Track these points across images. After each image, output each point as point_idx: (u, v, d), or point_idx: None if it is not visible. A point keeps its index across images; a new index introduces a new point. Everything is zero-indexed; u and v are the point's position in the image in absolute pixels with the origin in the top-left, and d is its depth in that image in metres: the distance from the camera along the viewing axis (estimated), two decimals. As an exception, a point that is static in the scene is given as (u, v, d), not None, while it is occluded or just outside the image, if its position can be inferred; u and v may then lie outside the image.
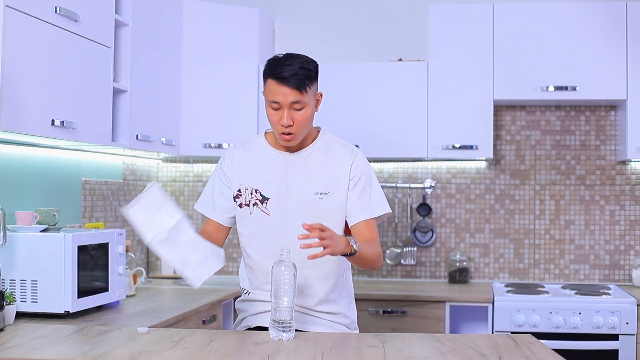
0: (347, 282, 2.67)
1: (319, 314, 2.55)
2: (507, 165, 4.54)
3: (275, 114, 2.43)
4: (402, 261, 4.55)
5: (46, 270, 2.81)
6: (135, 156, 4.29)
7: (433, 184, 4.52)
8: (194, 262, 2.37)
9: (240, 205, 2.54)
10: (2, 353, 2.17)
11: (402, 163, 4.57)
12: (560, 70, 4.13)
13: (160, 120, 3.90)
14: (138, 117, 3.61)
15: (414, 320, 3.93)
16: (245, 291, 2.63)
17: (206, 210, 2.61)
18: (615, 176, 4.46)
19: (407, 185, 4.53)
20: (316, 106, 2.50)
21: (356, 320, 2.69)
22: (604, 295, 3.94)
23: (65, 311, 2.82)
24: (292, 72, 2.37)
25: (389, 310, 3.96)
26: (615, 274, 4.44)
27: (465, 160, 4.45)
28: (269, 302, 2.29)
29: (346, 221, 2.57)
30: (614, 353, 3.77)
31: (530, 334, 2.44)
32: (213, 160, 4.70)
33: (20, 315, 2.77)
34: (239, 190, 2.54)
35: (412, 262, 4.54)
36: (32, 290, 2.81)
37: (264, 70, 2.44)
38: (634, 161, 4.40)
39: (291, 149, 2.53)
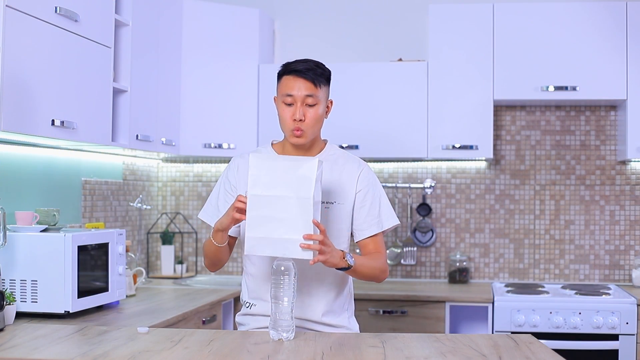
0: (350, 295, 2.67)
1: (321, 326, 2.54)
2: (507, 165, 4.54)
3: (288, 110, 2.44)
4: (402, 261, 4.55)
5: (46, 270, 2.81)
6: (135, 156, 4.29)
7: (433, 184, 4.52)
8: (267, 236, 2.26)
9: None
10: (2, 353, 2.17)
11: (402, 163, 4.57)
12: (560, 70, 4.13)
13: (160, 120, 3.90)
14: (138, 117, 3.61)
15: (414, 320, 3.93)
16: (246, 304, 2.59)
17: (211, 219, 2.57)
18: (615, 176, 4.46)
19: (407, 185, 4.53)
20: (327, 112, 2.53)
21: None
22: (604, 295, 3.94)
23: (65, 311, 2.82)
24: (308, 67, 2.45)
25: (389, 310, 3.96)
26: (615, 274, 4.44)
27: (465, 160, 4.45)
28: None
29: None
30: (614, 353, 3.77)
31: (530, 334, 2.44)
32: (213, 160, 4.70)
33: (20, 315, 2.78)
34: None
35: (412, 262, 4.54)
36: (32, 290, 2.81)
37: (279, 72, 2.48)
38: (634, 161, 4.40)
39: None
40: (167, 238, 4.52)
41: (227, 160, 4.61)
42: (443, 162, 4.54)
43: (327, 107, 2.54)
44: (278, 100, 2.48)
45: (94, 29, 3.13)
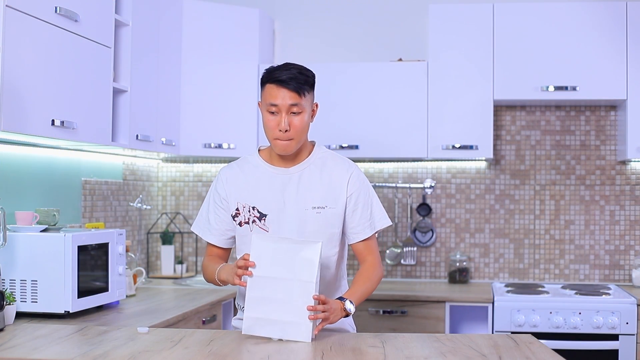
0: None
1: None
2: (507, 165, 4.54)
3: (273, 119, 2.42)
4: (402, 261, 4.55)
5: (46, 270, 2.81)
6: (135, 156, 4.29)
7: (433, 184, 4.52)
8: (266, 317, 2.28)
9: (240, 224, 2.53)
10: (2, 353, 2.17)
11: (402, 163, 4.57)
12: (560, 70, 4.13)
13: (160, 120, 3.90)
14: (138, 117, 3.61)
15: (414, 320, 3.93)
16: (242, 308, 2.57)
17: (202, 232, 2.60)
18: (615, 176, 4.46)
19: (407, 185, 4.53)
20: (312, 116, 2.51)
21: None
22: (604, 295, 3.94)
23: (65, 311, 2.82)
24: (291, 75, 2.39)
25: (389, 310, 3.96)
26: (615, 274, 4.44)
27: (465, 160, 4.45)
28: None
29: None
30: (614, 353, 3.77)
31: (530, 334, 2.45)
32: (213, 160, 4.70)
33: (20, 315, 2.78)
34: (237, 209, 2.53)
35: (412, 262, 4.54)
36: (32, 290, 2.81)
37: (262, 78, 2.44)
38: (634, 161, 4.40)
39: (287, 164, 2.51)
40: (167, 238, 4.52)
41: (227, 160, 4.61)
42: (443, 162, 4.54)
43: (313, 110, 2.50)
44: (262, 107, 2.45)
45: (93, 29, 3.13)
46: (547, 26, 4.16)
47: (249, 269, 2.28)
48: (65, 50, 2.94)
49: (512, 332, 3.77)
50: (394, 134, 4.23)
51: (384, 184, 4.53)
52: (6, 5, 2.53)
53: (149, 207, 4.46)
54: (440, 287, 4.28)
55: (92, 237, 3.00)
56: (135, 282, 3.68)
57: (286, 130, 2.41)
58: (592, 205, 4.48)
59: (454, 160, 4.47)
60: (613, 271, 4.44)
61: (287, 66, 2.43)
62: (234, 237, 2.59)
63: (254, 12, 4.36)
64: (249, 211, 2.51)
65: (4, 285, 2.76)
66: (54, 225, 3.18)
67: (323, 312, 2.27)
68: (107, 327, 2.57)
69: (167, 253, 4.49)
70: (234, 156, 4.10)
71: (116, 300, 3.19)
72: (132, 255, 3.98)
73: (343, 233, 2.58)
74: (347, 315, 2.40)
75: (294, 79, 2.38)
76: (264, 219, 2.50)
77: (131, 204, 4.25)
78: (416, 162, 4.56)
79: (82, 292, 2.90)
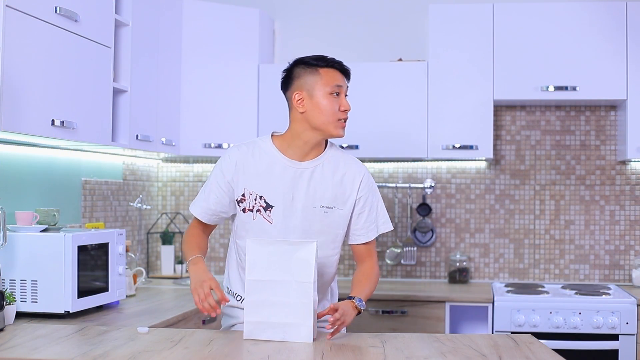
0: (334, 294, 2.70)
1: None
2: (507, 165, 4.54)
3: (336, 101, 2.45)
4: (402, 261, 4.55)
5: (46, 270, 2.81)
6: (135, 156, 4.29)
7: (433, 184, 4.52)
8: (266, 320, 2.28)
9: (244, 210, 2.49)
10: (2, 353, 2.17)
11: (402, 163, 4.57)
12: (560, 70, 4.13)
13: (160, 120, 3.90)
14: (138, 117, 3.61)
15: (414, 320, 3.93)
16: (237, 296, 2.57)
17: (201, 214, 2.55)
18: (615, 176, 4.46)
19: (407, 185, 4.53)
20: None
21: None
22: (604, 295, 3.94)
23: (65, 311, 2.82)
24: (340, 60, 2.51)
25: (389, 310, 3.96)
26: (615, 274, 4.44)
27: (465, 160, 4.45)
28: None
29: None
30: (614, 353, 3.77)
31: (530, 334, 2.45)
32: (213, 160, 4.70)
33: (20, 315, 2.78)
34: (243, 195, 2.49)
35: (412, 262, 4.54)
36: (32, 290, 2.81)
37: (310, 62, 2.47)
38: (634, 161, 4.40)
39: (300, 158, 2.49)
40: (167, 238, 4.52)
41: (227, 160, 4.61)
42: (443, 162, 4.54)
43: None
44: (319, 92, 2.44)
45: (94, 29, 3.13)
46: (547, 26, 4.16)
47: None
48: (65, 50, 2.94)
49: (512, 332, 3.77)
50: (394, 134, 4.23)
51: (384, 184, 4.53)
52: (6, 5, 2.53)
53: (149, 207, 4.46)
54: (440, 287, 4.28)
55: (92, 237, 3.00)
56: (135, 282, 3.68)
57: (347, 110, 2.46)
58: (592, 205, 4.48)
59: (454, 160, 4.47)
60: (613, 271, 4.44)
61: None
62: (222, 217, 2.57)
63: (254, 12, 4.36)
64: (255, 199, 2.47)
65: (4, 285, 2.76)
66: (54, 225, 3.18)
67: (338, 319, 2.28)
68: (107, 327, 2.57)
69: (167, 253, 4.49)
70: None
71: (116, 300, 3.19)
72: (132, 255, 3.98)
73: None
74: (359, 313, 2.41)
75: (343, 64, 2.50)
76: (270, 210, 2.47)
77: (131, 204, 4.25)
78: (416, 162, 4.56)
79: (82, 292, 2.90)
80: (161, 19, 3.89)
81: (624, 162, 4.44)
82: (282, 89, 2.54)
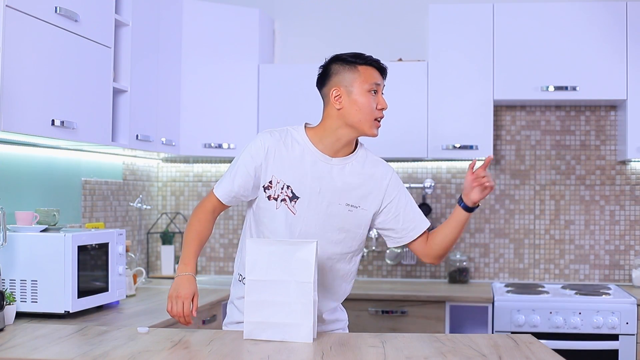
0: (346, 294, 2.68)
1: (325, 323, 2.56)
2: (507, 165, 4.54)
3: (373, 99, 2.45)
4: (402, 261, 4.55)
5: (46, 270, 2.81)
6: (135, 156, 4.29)
7: (433, 184, 4.52)
8: (264, 321, 2.27)
9: (269, 198, 2.46)
10: (2, 353, 2.17)
11: (402, 163, 4.57)
12: (560, 70, 4.13)
13: (160, 120, 3.90)
14: (138, 117, 3.61)
15: (414, 320, 3.93)
16: (244, 280, 2.48)
17: (225, 198, 2.50)
18: (615, 176, 4.46)
19: (407, 185, 4.53)
20: None
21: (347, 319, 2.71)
22: (604, 295, 3.94)
23: (65, 311, 2.82)
24: (378, 59, 2.50)
25: (389, 310, 3.96)
26: (615, 274, 4.44)
27: (465, 160, 4.45)
28: None
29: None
30: (614, 353, 3.77)
31: (530, 334, 2.44)
32: (213, 160, 4.70)
33: (20, 315, 2.78)
34: (270, 182, 2.45)
35: (412, 262, 4.54)
36: (32, 290, 2.81)
37: (349, 59, 2.46)
38: (634, 161, 4.39)
39: (332, 153, 2.47)
40: (167, 238, 4.52)
41: (227, 160, 4.61)
42: (443, 162, 4.54)
43: None
44: (358, 89, 2.43)
45: (94, 29, 3.13)
46: (547, 26, 4.16)
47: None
48: (65, 50, 2.94)
49: (512, 332, 3.77)
50: (394, 134, 4.22)
51: (384, 184, 4.53)
52: (6, 5, 2.53)
53: (149, 207, 4.46)
54: (440, 287, 4.28)
55: (92, 237, 3.00)
56: (135, 282, 3.68)
57: (384, 109, 2.46)
58: (592, 205, 4.48)
59: (454, 160, 4.47)
60: (613, 271, 4.44)
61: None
62: (241, 200, 2.52)
63: (254, 12, 4.36)
64: (282, 188, 2.45)
65: (4, 285, 2.76)
66: (54, 225, 3.18)
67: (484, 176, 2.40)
68: (107, 327, 2.57)
69: (167, 253, 4.49)
70: (234, 156, 4.09)
71: (116, 300, 3.19)
72: (132, 255, 3.99)
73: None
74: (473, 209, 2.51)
75: (380, 62, 2.49)
76: (295, 202, 2.45)
77: (131, 204, 4.25)
78: (416, 162, 4.56)
79: (82, 292, 2.90)
80: (161, 19, 3.89)
81: (624, 162, 4.44)
82: (317, 85, 2.51)
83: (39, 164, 3.40)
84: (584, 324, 3.79)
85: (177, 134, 4.13)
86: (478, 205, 2.51)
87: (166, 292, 3.75)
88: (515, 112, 4.54)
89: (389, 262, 4.54)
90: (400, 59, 4.40)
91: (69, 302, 2.82)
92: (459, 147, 4.18)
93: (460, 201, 2.51)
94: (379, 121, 2.47)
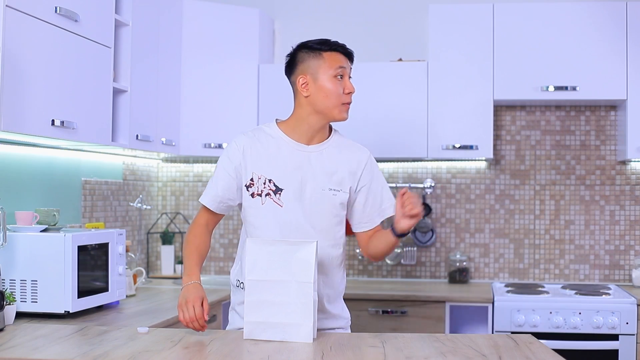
0: (343, 282, 2.68)
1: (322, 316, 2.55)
2: (507, 165, 4.54)
3: (340, 84, 2.46)
4: (402, 261, 4.55)
5: (46, 270, 2.81)
6: (135, 156, 4.29)
7: (433, 184, 4.52)
8: (264, 321, 2.28)
9: (252, 195, 2.48)
10: (2, 353, 2.17)
11: (402, 163, 4.57)
12: (560, 70, 4.13)
13: (160, 120, 3.90)
14: (138, 117, 3.61)
15: (414, 320, 3.93)
16: (242, 286, 2.53)
17: (212, 204, 2.52)
18: (615, 176, 4.46)
19: (407, 185, 4.53)
20: None
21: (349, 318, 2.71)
22: (604, 295, 3.94)
23: (65, 311, 2.82)
24: (343, 43, 2.52)
25: (389, 310, 3.96)
26: (615, 274, 4.44)
27: (465, 160, 4.45)
28: None
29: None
30: (614, 353, 3.77)
31: (530, 334, 2.45)
32: (213, 160, 4.70)
33: (20, 315, 2.78)
34: (252, 180, 2.48)
35: (412, 262, 4.54)
36: (32, 290, 2.81)
37: (313, 46, 2.49)
38: (634, 161, 4.39)
39: (307, 141, 2.50)
40: (167, 238, 4.52)
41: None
42: (443, 162, 4.54)
43: None
44: (323, 74, 2.46)
45: (94, 29, 3.13)
46: (547, 26, 4.16)
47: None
48: (65, 50, 2.94)
49: (512, 332, 3.77)
50: (394, 134, 4.23)
51: (384, 184, 4.53)
52: (6, 5, 2.53)
53: (149, 207, 4.46)
54: (440, 287, 4.28)
55: (92, 237, 3.00)
56: (135, 282, 3.68)
57: (351, 93, 2.47)
58: (592, 205, 4.48)
59: (454, 160, 4.47)
60: (613, 271, 4.44)
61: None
62: (229, 206, 2.55)
63: (254, 12, 4.36)
64: (264, 183, 2.47)
65: (4, 285, 2.76)
66: (54, 225, 3.18)
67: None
68: (107, 327, 2.57)
69: (167, 253, 4.49)
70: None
71: (116, 300, 3.19)
72: (132, 255, 3.99)
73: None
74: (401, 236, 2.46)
75: (346, 46, 2.51)
76: (280, 194, 2.46)
77: (131, 204, 4.25)
78: (416, 162, 4.56)
79: (82, 292, 2.90)
80: (161, 19, 3.89)
81: (624, 162, 4.44)
82: (286, 74, 2.56)
83: (39, 164, 3.40)
84: (584, 324, 3.79)
85: (177, 134, 4.13)
86: (407, 234, 2.46)
87: (166, 292, 3.77)
88: (515, 112, 4.54)
89: (389, 262, 4.54)
90: (400, 59, 4.40)
91: (69, 302, 2.82)
92: (459, 147, 4.18)
93: (391, 226, 2.48)
94: (347, 105, 2.49)
